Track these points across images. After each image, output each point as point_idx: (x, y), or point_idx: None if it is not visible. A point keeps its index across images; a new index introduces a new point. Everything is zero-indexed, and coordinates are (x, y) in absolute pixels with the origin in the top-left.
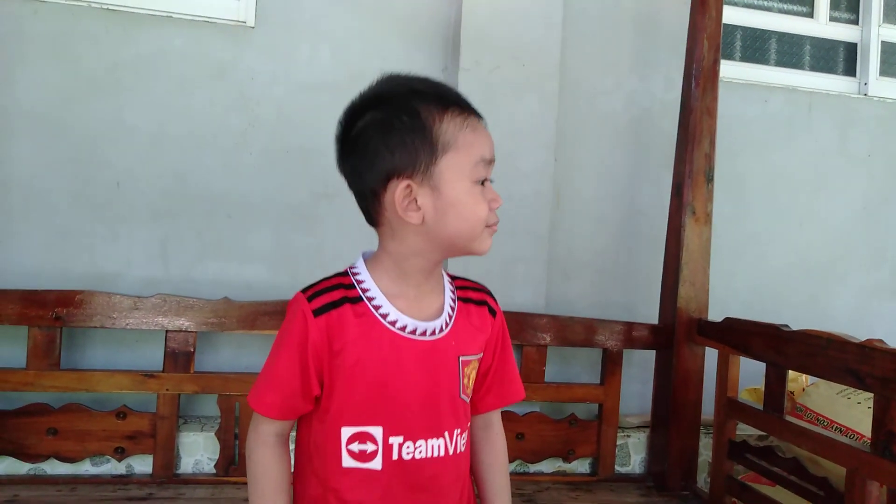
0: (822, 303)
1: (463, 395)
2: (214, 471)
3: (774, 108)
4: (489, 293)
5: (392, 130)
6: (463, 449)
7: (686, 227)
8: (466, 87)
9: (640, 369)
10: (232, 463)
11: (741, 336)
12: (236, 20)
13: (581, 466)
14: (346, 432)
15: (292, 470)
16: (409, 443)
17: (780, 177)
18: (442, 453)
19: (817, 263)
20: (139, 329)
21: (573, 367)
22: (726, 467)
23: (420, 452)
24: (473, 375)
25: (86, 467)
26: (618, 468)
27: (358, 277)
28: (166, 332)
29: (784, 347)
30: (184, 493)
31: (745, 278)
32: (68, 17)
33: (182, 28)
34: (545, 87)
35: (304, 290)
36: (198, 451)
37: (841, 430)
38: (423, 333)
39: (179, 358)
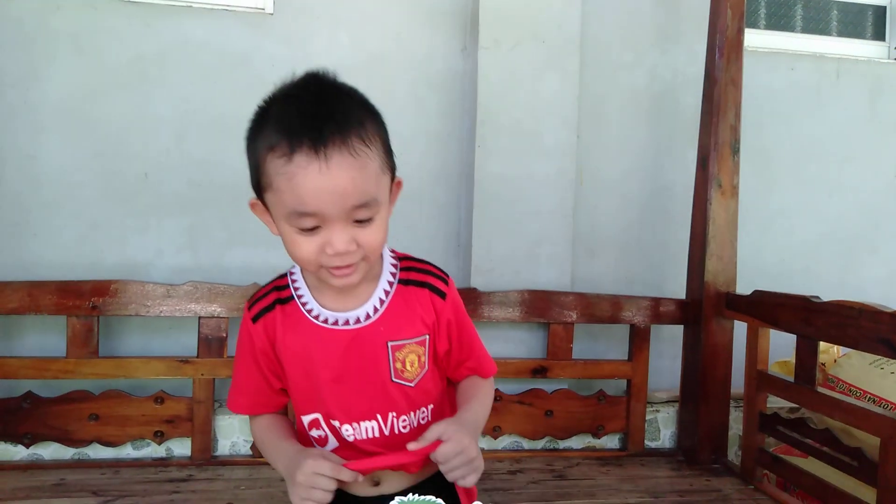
0: (853, 274)
1: (397, 380)
2: (251, 452)
3: (801, 77)
4: (435, 274)
5: (247, 146)
6: (407, 430)
7: (712, 201)
8: (486, 67)
9: (668, 344)
10: None
11: (770, 309)
12: (255, 7)
13: (611, 442)
14: (305, 420)
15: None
16: (346, 426)
17: (808, 147)
18: (377, 434)
19: (847, 234)
20: (173, 316)
21: (601, 343)
22: (757, 440)
23: (359, 433)
24: (416, 360)
25: (127, 451)
26: (647, 443)
27: (293, 277)
28: (199, 318)
29: (815, 319)
30: (222, 473)
31: (773, 251)
32: (91, 12)
33: (201, 17)
34: (566, 64)
35: (249, 299)
36: (233, 434)
37: (874, 401)
38: (347, 323)
39: (213, 343)
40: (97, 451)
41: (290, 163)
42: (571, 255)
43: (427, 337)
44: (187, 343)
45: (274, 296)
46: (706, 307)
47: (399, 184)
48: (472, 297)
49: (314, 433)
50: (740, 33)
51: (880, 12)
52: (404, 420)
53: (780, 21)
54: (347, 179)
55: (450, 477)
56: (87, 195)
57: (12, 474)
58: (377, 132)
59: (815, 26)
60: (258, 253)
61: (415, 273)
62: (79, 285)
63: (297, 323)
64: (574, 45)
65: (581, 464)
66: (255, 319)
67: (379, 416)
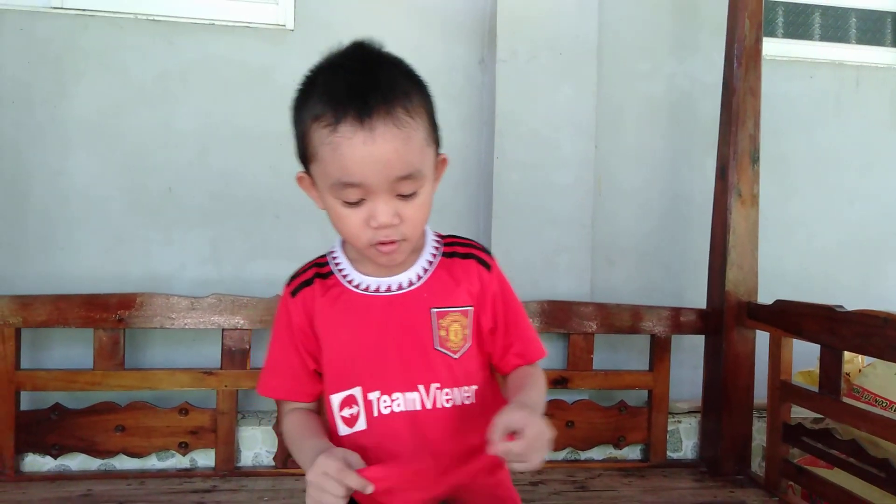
0: (875, 282)
1: (441, 348)
2: (273, 463)
3: (820, 85)
4: (481, 248)
5: (293, 116)
6: (450, 405)
7: (732, 210)
8: (504, 78)
9: (689, 355)
10: (289, 455)
11: (793, 318)
12: (276, 24)
13: (632, 453)
14: (336, 399)
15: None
16: (385, 397)
17: (828, 155)
18: (418, 407)
19: (869, 242)
20: (196, 328)
21: (621, 353)
22: (782, 451)
23: (398, 406)
24: (460, 330)
25: (152, 462)
26: (669, 454)
27: (333, 255)
28: (223, 330)
29: (839, 328)
30: (245, 484)
31: (795, 260)
32: (116, 31)
33: (223, 34)
34: (583, 75)
35: (288, 278)
36: (256, 445)
37: None
38: (389, 289)
39: (236, 355)
40: (123, 463)
41: (334, 132)
42: (590, 264)
43: (472, 309)
44: (211, 355)
45: (313, 271)
46: (727, 317)
47: (444, 161)
48: None
49: (345, 412)
50: (758, 42)
51: None
52: (447, 394)
53: (798, 29)
54: (391, 149)
55: (521, 467)
56: (112, 209)
57: (41, 485)
58: (422, 103)
59: (834, 34)
60: (280, 265)
61: (459, 247)
62: (105, 298)
63: (338, 294)
64: (591, 55)
65: (603, 475)
66: (294, 293)
67: (421, 388)
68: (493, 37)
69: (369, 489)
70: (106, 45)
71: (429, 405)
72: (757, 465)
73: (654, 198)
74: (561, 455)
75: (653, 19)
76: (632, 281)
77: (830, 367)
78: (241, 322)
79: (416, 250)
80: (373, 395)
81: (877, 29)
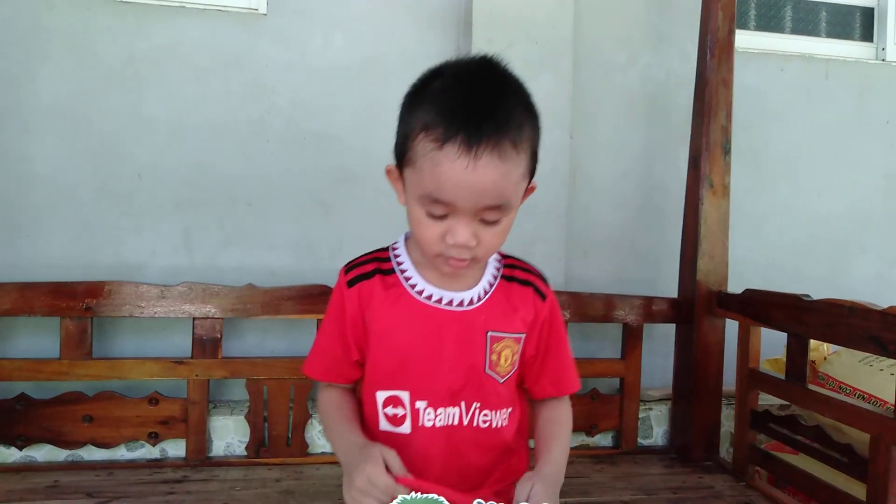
0: (843, 273)
1: (490, 372)
2: (246, 453)
3: (791, 77)
4: (540, 276)
5: (402, 110)
6: (486, 426)
7: (704, 201)
8: None
9: (660, 343)
10: (262, 445)
11: (762, 307)
12: (248, 8)
13: (604, 440)
14: (381, 396)
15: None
16: (430, 409)
17: (798, 147)
18: (456, 422)
19: (837, 234)
20: (167, 317)
21: (593, 342)
22: (749, 437)
23: (440, 420)
24: (510, 356)
25: (121, 452)
26: (640, 441)
27: (396, 252)
28: (193, 319)
29: (805, 317)
30: (217, 474)
31: (765, 251)
32: (83, 12)
33: (195, 18)
34: (559, 65)
35: (345, 265)
36: (228, 435)
37: (864, 398)
38: (451, 303)
39: (207, 344)
40: (91, 453)
41: (440, 150)
42: (565, 254)
43: (523, 336)
44: (181, 344)
45: (374, 265)
46: (698, 306)
47: (533, 188)
48: None
49: (389, 410)
50: (731, 34)
51: (868, 13)
52: (486, 415)
53: (769, 22)
54: (490, 182)
55: None
56: (80, 196)
57: (5, 476)
58: (531, 137)
59: (805, 27)
60: (253, 254)
61: (519, 272)
62: (72, 286)
63: (399, 295)
64: (567, 45)
65: (574, 462)
66: (350, 284)
67: (463, 404)
68: (468, 25)
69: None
70: (72, 26)
71: (466, 422)
72: (725, 451)
73: (628, 189)
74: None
75: (628, 10)
76: (605, 271)
77: (797, 354)
78: (213, 311)
79: (481, 266)
80: (420, 404)
81: (846, 23)
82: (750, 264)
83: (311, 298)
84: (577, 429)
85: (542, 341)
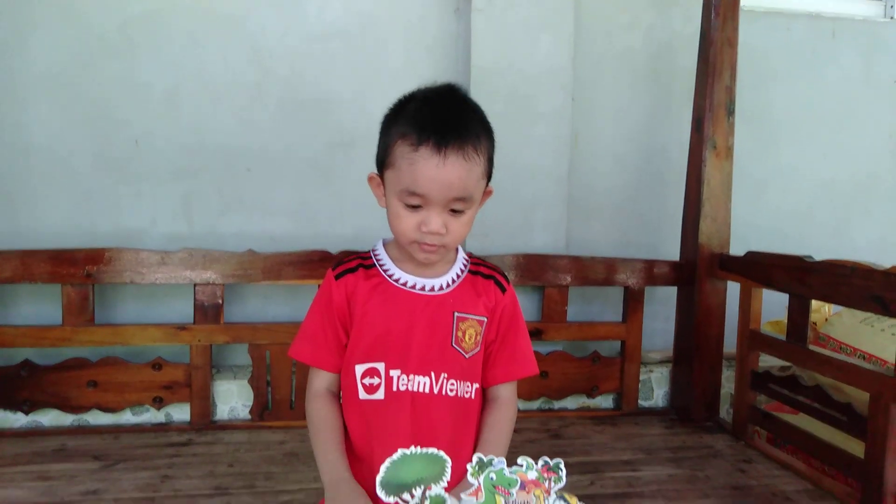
0: (846, 235)
1: (456, 346)
2: (249, 416)
3: (797, 36)
4: (502, 274)
5: (381, 128)
6: (454, 394)
7: (707, 163)
8: (480, 28)
9: (662, 306)
10: (266, 408)
11: (764, 269)
12: None
13: (605, 402)
14: (360, 369)
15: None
16: (403, 376)
17: (804, 107)
18: (427, 390)
19: (841, 195)
20: (168, 283)
21: (595, 305)
22: (749, 397)
23: (412, 385)
24: (474, 335)
25: (127, 417)
26: (641, 402)
27: (376, 253)
28: (194, 285)
29: (807, 278)
30: (221, 437)
31: (767, 214)
32: None
33: None
34: (560, 26)
35: (333, 265)
36: (232, 399)
37: (864, 357)
38: (423, 288)
39: (209, 310)
40: (97, 418)
41: (415, 152)
42: (566, 218)
43: (486, 319)
44: (183, 310)
45: (357, 262)
46: (700, 268)
47: (490, 192)
48: None
49: (366, 381)
50: None
51: None
52: (452, 385)
53: None
54: (456, 176)
55: None
56: (78, 163)
57: (13, 441)
58: (487, 146)
59: None
60: (253, 220)
61: (484, 268)
62: (72, 253)
63: (379, 283)
64: (568, 6)
65: (576, 423)
66: (337, 277)
67: (432, 374)
68: None
69: None
70: None
71: (436, 390)
72: (725, 411)
73: (630, 151)
74: (535, 405)
75: None
76: (607, 234)
77: (798, 315)
78: (213, 277)
79: (449, 262)
80: (394, 373)
81: None
82: (752, 227)
83: (312, 264)
84: (578, 390)
85: (500, 330)
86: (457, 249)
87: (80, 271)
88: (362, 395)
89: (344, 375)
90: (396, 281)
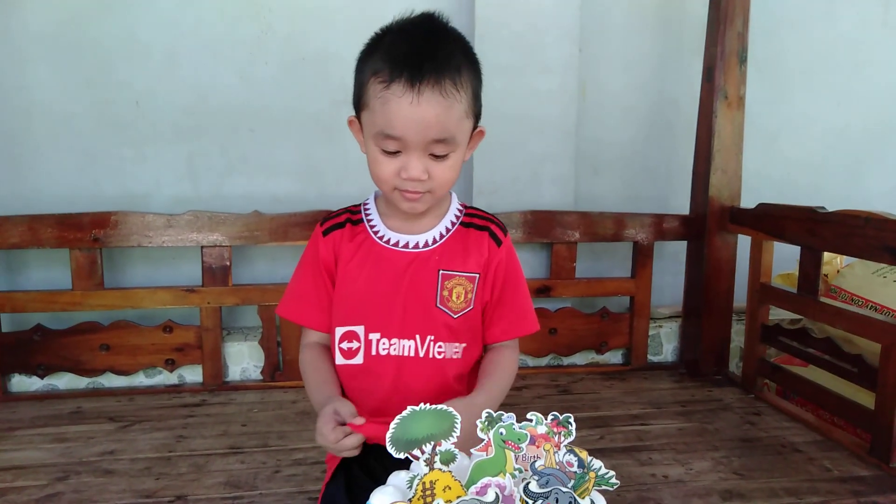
0: (860, 187)
1: (441, 306)
2: (261, 377)
3: None
4: (497, 223)
5: (356, 66)
6: (440, 357)
7: (718, 114)
8: None
9: (671, 261)
10: (277, 369)
11: (775, 221)
12: None
13: (614, 357)
14: (339, 332)
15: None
16: (384, 339)
17: (817, 55)
18: (412, 354)
19: (856, 146)
20: (175, 246)
21: (604, 261)
22: (759, 350)
23: (394, 349)
24: (462, 293)
25: (140, 379)
26: (650, 357)
27: (366, 206)
28: (202, 247)
29: (820, 230)
30: (234, 398)
31: (780, 164)
32: None
33: None
34: None
35: (322, 219)
36: (243, 360)
37: (876, 309)
38: (407, 245)
39: (217, 272)
40: (111, 380)
41: (387, 89)
42: (574, 173)
43: (478, 276)
44: (191, 273)
45: (346, 216)
46: (710, 221)
47: (481, 133)
48: None
49: (344, 345)
50: None
51: None
52: (440, 347)
53: None
54: (433, 115)
55: None
56: (81, 126)
57: (30, 404)
58: (470, 80)
59: None
60: (258, 181)
61: (478, 219)
62: (79, 218)
63: (363, 241)
64: None
65: (585, 379)
66: (325, 233)
67: (418, 337)
68: None
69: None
70: None
71: (421, 354)
72: (734, 365)
73: (639, 103)
74: (544, 361)
75: None
76: (616, 189)
77: (810, 267)
78: (220, 239)
79: (439, 215)
80: (373, 336)
81: None
82: (764, 179)
83: None
84: (586, 346)
85: (496, 286)
86: (450, 198)
87: (87, 235)
88: (339, 359)
89: (329, 338)
90: (381, 238)
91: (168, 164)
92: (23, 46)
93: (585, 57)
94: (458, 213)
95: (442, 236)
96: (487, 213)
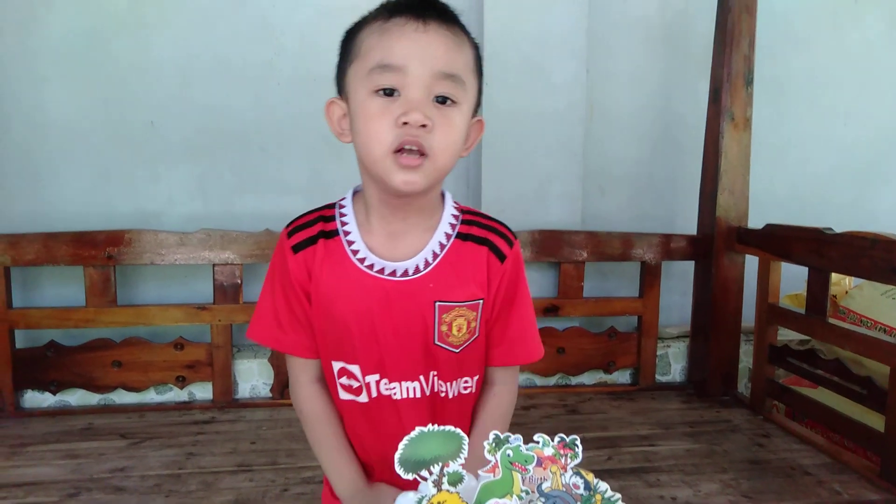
0: (866, 205)
1: (440, 344)
2: (271, 394)
3: (818, 0)
4: (500, 233)
5: (340, 49)
6: (454, 395)
7: (724, 134)
8: None
9: (678, 280)
10: (286, 386)
11: (782, 242)
12: None
13: (622, 377)
14: (336, 366)
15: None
16: (384, 380)
17: (824, 74)
18: (418, 395)
19: (861, 164)
20: (187, 264)
21: (611, 281)
22: (767, 371)
23: (396, 393)
24: (465, 325)
25: (151, 396)
26: (658, 377)
27: (343, 210)
28: (213, 265)
29: (827, 251)
30: (244, 415)
31: (786, 183)
32: None
33: None
34: None
35: (288, 225)
36: (253, 377)
37: (885, 330)
38: (393, 273)
39: (228, 290)
40: (122, 397)
41: (386, 23)
42: (582, 192)
43: (481, 302)
44: (203, 290)
45: (319, 227)
46: (717, 242)
47: (481, 124)
48: None
49: (343, 381)
50: None
51: None
52: (442, 386)
53: None
54: (441, 43)
55: None
56: (95, 144)
57: (42, 420)
58: (473, 52)
59: None
60: (269, 199)
61: (477, 228)
62: (93, 236)
63: (339, 261)
64: None
65: (593, 399)
66: (295, 250)
67: (421, 377)
68: None
69: None
70: None
71: (428, 392)
72: (743, 386)
73: (646, 123)
74: (552, 380)
75: None
76: (623, 209)
77: (817, 288)
78: (232, 257)
79: (430, 227)
80: (371, 378)
81: None
82: (771, 196)
83: None
84: (594, 366)
85: (497, 306)
86: (442, 204)
87: (101, 253)
88: (343, 394)
89: (324, 366)
90: (361, 262)
91: (181, 182)
92: (40, 65)
93: (593, 77)
94: (454, 221)
95: (435, 256)
96: (489, 219)
